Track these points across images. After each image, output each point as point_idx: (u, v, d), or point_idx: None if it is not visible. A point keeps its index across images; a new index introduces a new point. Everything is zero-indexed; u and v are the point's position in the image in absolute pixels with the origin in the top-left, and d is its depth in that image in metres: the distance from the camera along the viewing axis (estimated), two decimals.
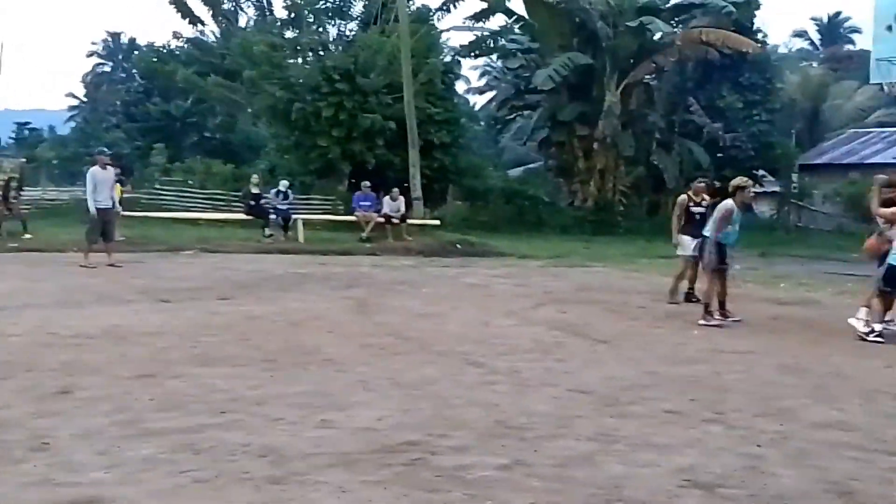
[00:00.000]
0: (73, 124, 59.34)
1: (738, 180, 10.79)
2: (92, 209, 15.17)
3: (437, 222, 24.41)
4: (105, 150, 17.00)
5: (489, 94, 44.42)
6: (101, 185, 15.30)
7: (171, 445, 4.93)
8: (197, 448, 4.90)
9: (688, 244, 12.11)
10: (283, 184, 22.56)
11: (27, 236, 19.33)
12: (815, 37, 60.19)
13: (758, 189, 37.09)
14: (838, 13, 60.59)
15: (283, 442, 5.07)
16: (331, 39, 30.81)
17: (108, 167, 15.66)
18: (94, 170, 15.54)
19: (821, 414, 6.23)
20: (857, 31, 58.72)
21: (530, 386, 6.88)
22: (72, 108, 60.95)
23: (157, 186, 28.79)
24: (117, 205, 16.10)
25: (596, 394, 6.61)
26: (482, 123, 43.23)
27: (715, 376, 7.42)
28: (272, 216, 21.87)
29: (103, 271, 14.39)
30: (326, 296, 12.29)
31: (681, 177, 30.58)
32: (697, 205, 12.40)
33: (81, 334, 8.45)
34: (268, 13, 33.46)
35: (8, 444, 4.91)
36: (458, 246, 21.14)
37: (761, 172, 34.87)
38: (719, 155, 31.89)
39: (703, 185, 12.91)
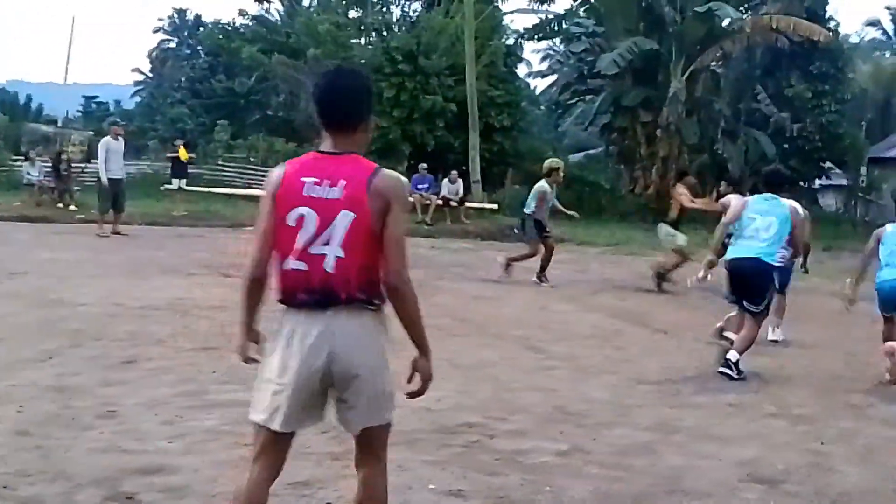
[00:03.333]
0: (138, 99, 60.17)
1: (551, 162, 13.26)
2: (103, 179, 15.33)
3: (496, 206, 24.26)
4: (118, 120, 17.13)
5: (550, 78, 43.93)
6: (113, 156, 15.48)
7: (234, 417, 4.98)
8: None
9: None
10: None
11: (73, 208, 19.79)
12: (889, 27, 58.28)
13: (824, 182, 36.62)
14: None
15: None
16: (395, 20, 30.85)
17: (120, 138, 15.87)
18: (107, 140, 15.74)
19: (889, 411, 6.10)
20: None
21: (589, 373, 6.84)
22: (137, 83, 61.68)
23: (221, 163, 29.17)
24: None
25: (656, 383, 6.54)
26: (542, 108, 42.85)
27: (779, 370, 7.30)
28: None
29: (166, 244, 14.64)
30: None
31: (746, 166, 30.04)
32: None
33: (147, 305, 8.61)
34: None
35: (77, 410, 5.04)
36: (516, 230, 21.01)
37: (828, 164, 34.11)
38: (785, 146, 31.21)
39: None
